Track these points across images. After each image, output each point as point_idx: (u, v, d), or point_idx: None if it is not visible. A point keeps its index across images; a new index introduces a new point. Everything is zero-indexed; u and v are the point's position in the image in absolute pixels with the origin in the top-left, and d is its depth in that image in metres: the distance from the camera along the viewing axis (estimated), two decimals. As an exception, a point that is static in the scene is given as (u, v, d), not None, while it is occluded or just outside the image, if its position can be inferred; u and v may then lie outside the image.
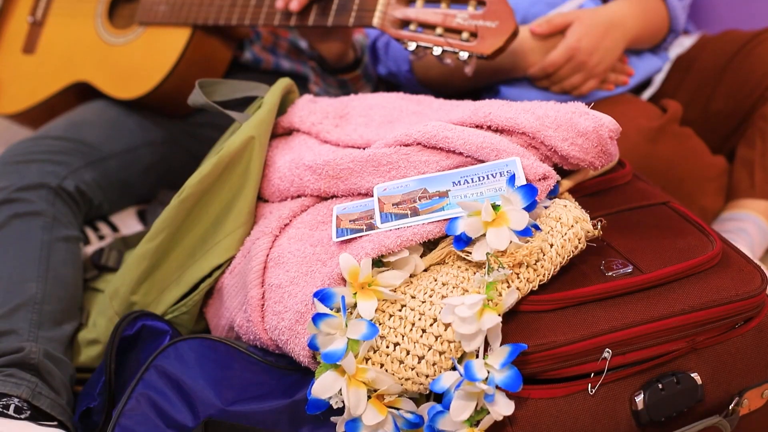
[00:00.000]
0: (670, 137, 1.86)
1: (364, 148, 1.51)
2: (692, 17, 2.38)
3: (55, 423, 1.55)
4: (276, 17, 1.88)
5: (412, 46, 1.70)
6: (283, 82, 1.68)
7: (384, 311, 1.29)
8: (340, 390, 1.26)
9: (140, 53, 2.04)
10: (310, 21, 1.82)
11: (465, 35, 1.66)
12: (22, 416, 1.52)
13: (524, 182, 1.34)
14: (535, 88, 1.94)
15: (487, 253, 1.27)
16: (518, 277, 1.28)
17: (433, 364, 1.25)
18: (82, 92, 2.12)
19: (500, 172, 1.36)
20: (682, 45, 2.16)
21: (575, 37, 1.87)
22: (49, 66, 2.18)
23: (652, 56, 2.07)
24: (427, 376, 1.26)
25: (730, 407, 1.35)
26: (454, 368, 1.24)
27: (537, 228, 1.31)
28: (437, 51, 1.67)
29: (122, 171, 2.00)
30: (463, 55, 1.65)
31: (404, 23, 1.73)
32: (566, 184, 1.47)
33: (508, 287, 1.27)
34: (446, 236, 1.34)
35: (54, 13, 2.22)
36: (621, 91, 1.97)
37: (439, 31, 1.68)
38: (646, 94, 2.10)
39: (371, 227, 1.37)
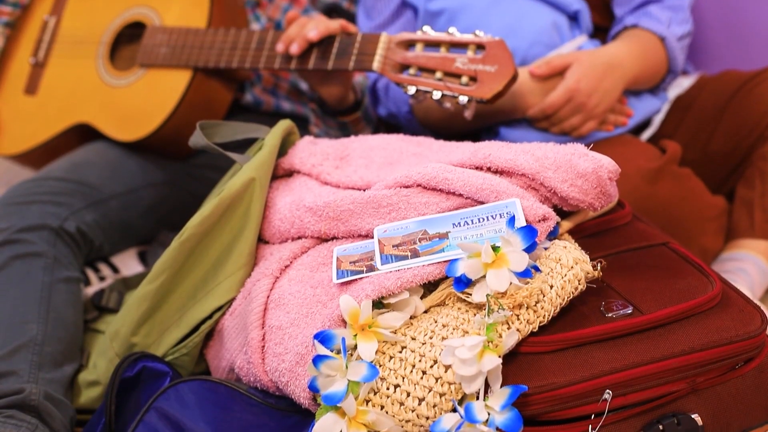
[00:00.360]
0: (670, 178, 1.87)
1: (364, 190, 1.52)
2: (691, 58, 2.39)
3: (56, 464, 1.55)
4: (276, 60, 1.89)
5: (411, 90, 1.71)
6: (284, 124, 1.69)
7: (384, 353, 1.29)
8: (341, 432, 1.26)
9: (141, 95, 2.05)
10: (311, 64, 1.84)
11: (464, 79, 1.67)
12: (23, 458, 1.52)
13: (524, 223, 1.35)
14: (535, 129, 1.95)
15: (487, 295, 1.27)
16: (518, 319, 1.28)
17: (434, 406, 1.25)
18: (83, 133, 2.13)
19: (500, 214, 1.37)
20: (680, 85, 2.17)
21: (574, 78, 1.88)
22: (50, 107, 2.19)
23: (651, 97, 2.08)
24: (427, 418, 1.26)
25: (731, 448, 1.35)
26: (454, 410, 1.24)
27: (537, 269, 1.31)
28: (437, 95, 1.68)
29: (123, 212, 2.00)
30: (463, 99, 1.66)
31: (404, 67, 1.74)
32: (566, 225, 1.48)
33: (509, 329, 1.27)
34: (446, 278, 1.35)
35: (56, 55, 2.23)
36: (620, 131, 1.98)
37: (438, 75, 1.69)
38: (646, 134, 2.11)
39: (372, 269, 1.37)
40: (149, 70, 2.06)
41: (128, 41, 2.18)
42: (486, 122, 1.99)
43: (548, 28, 1.97)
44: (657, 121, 2.12)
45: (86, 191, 1.95)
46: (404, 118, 2.09)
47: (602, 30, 2.14)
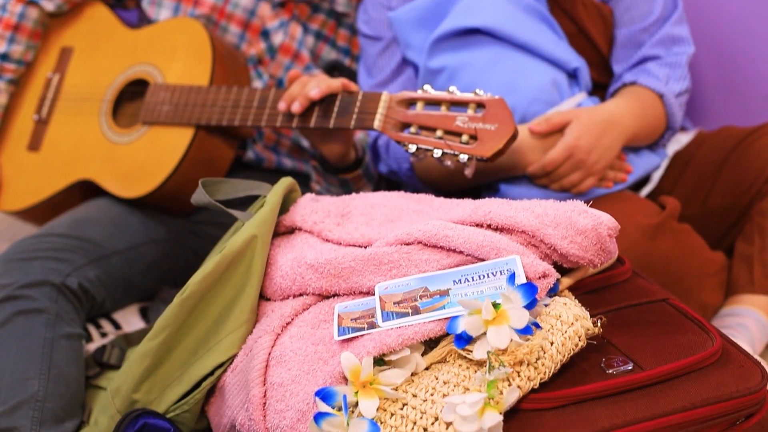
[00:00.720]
0: (669, 234, 1.87)
1: (365, 247, 1.53)
2: (689, 114, 2.41)
3: None
4: (278, 119, 1.91)
5: (412, 148, 1.72)
6: (285, 182, 1.70)
7: (386, 410, 1.30)
8: (343, 489, 1.26)
9: (144, 152, 2.06)
10: (312, 123, 1.85)
11: (465, 138, 1.68)
12: None
13: (524, 280, 1.35)
14: (535, 186, 1.96)
15: (488, 352, 1.28)
16: (519, 376, 1.28)
17: (435, 463, 1.25)
18: (86, 190, 2.14)
19: (500, 271, 1.38)
20: (679, 142, 2.19)
21: (574, 135, 1.89)
22: (53, 163, 2.20)
23: (650, 153, 2.09)
24: (429, 475, 1.26)
25: (733, 505, 1.34)
26: (456, 467, 1.24)
27: (537, 326, 1.32)
28: (437, 153, 1.69)
29: (125, 268, 2.01)
30: (463, 157, 1.67)
31: (405, 125, 1.75)
32: (566, 281, 1.48)
33: (509, 385, 1.27)
34: (447, 334, 1.35)
35: (59, 112, 2.25)
36: (620, 188, 1.99)
37: (439, 133, 1.70)
38: (645, 190, 2.12)
39: (373, 326, 1.37)
40: (152, 127, 2.08)
41: (131, 98, 2.20)
42: (486, 179, 2.00)
43: (548, 86, 1.99)
44: (656, 177, 2.13)
45: (88, 247, 1.95)
46: (405, 175, 2.10)
47: (601, 87, 2.16)
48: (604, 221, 1.45)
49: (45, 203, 2.20)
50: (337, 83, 1.85)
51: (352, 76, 2.25)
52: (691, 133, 2.24)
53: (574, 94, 2.03)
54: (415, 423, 1.27)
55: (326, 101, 1.86)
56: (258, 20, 2.24)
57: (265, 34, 2.24)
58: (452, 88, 1.72)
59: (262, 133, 2.25)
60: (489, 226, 1.48)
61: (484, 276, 1.38)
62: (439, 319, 1.35)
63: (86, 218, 2.03)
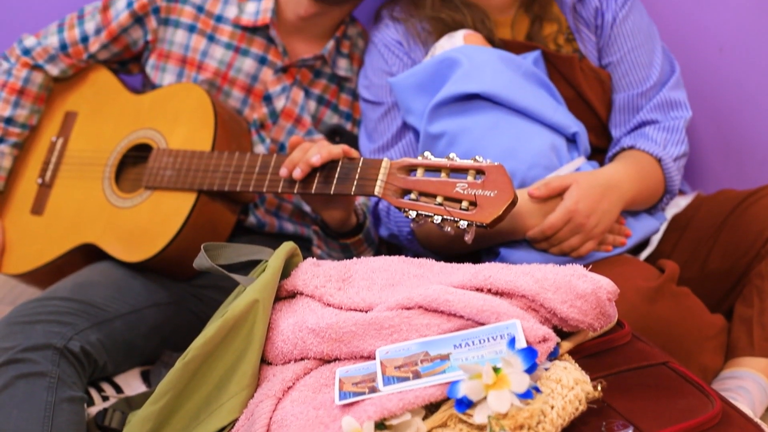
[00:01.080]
0: (668, 297, 1.88)
1: (366, 311, 1.54)
2: (687, 177, 2.43)
3: None
4: (279, 184, 1.92)
5: (412, 214, 1.73)
6: (287, 246, 1.71)
7: (387, 474, 1.30)
8: None
9: (146, 217, 2.08)
10: (313, 189, 1.87)
11: (465, 204, 1.69)
12: None
13: (524, 345, 1.36)
14: (535, 250, 1.97)
15: (489, 416, 1.28)
16: (520, 440, 1.29)
17: None
18: (88, 253, 2.15)
19: (501, 335, 1.38)
20: (678, 205, 2.20)
21: (573, 199, 1.91)
22: (56, 227, 2.22)
23: (648, 217, 2.10)
24: None
25: None
26: None
27: (538, 390, 1.32)
28: (437, 219, 1.70)
29: (127, 332, 2.01)
30: (463, 223, 1.68)
31: (405, 191, 1.76)
32: (566, 345, 1.49)
33: (510, 450, 1.27)
34: (448, 399, 1.35)
35: (62, 176, 2.27)
36: (619, 251, 2.00)
37: (439, 199, 1.71)
38: (644, 254, 2.13)
39: (374, 390, 1.38)
40: (154, 191, 2.09)
41: (134, 163, 2.21)
42: (486, 243, 2.01)
43: (547, 151, 2.00)
44: (655, 240, 2.14)
45: (91, 311, 1.96)
46: (405, 239, 2.11)
47: (600, 151, 2.19)
48: (604, 285, 1.46)
49: (48, 267, 2.21)
50: (338, 150, 1.87)
51: (354, 140, 2.27)
52: (690, 196, 2.25)
53: (573, 158, 2.05)
54: (416, 487, 1.27)
55: (327, 167, 1.87)
56: (260, 85, 2.27)
57: (268, 98, 2.27)
58: (452, 155, 1.74)
59: (264, 198, 2.26)
60: (489, 291, 1.49)
61: (484, 340, 1.39)
62: (440, 384, 1.35)
63: (89, 282, 2.03)
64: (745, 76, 2.41)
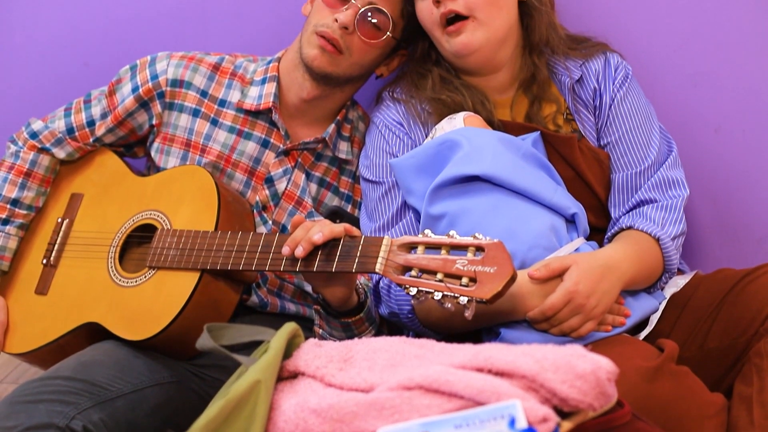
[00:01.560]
0: (668, 376, 1.88)
1: (367, 392, 1.54)
2: (686, 257, 2.44)
3: None
4: (282, 263, 1.94)
5: (413, 290, 1.75)
6: (289, 327, 1.72)
7: None
8: None
9: (150, 296, 2.09)
10: (315, 267, 1.89)
11: (465, 280, 1.71)
12: None
13: (525, 425, 1.36)
14: (535, 330, 1.97)
15: (490, 496, 1.28)
16: None
17: None
18: (92, 332, 2.16)
19: (501, 415, 1.39)
20: (676, 284, 2.20)
21: (573, 280, 1.92)
22: (60, 307, 2.23)
23: (647, 296, 2.11)
24: None
25: None
26: None
27: (538, 470, 1.33)
28: (438, 295, 1.72)
29: (129, 411, 2.01)
30: (463, 299, 1.70)
31: (406, 269, 1.78)
32: (566, 425, 1.49)
33: None
34: (449, 479, 1.36)
35: (67, 256, 2.29)
36: (618, 331, 2.00)
37: (439, 276, 1.73)
38: (643, 333, 2.13)
39: (375, 470, 1.38)
40: (158, 271, 2.11)
41: (138, 243, 2.23)
42: (486, 323, 2.01)
43: (546, 232, 2.02)
44: (654, 319, 2.14)
45: (93, 390, 1.96)
46: (406, 318, 2.12)
47: (599, 231, 2.20)
48: (603, 365, 1.47)
49: (51, 346, 2.21)
50: (339, 228, 1.89)
51: (354, 222, 2.28)
52: (688, 275, 2.26)
53: (573, 239, 2.06)
54: None
55: (329, 246, 1.89)
56: (263, 167, 2.30)
57: (269, 181, 2.30)
58: (452, 232, 1.76)
59: (266, 278, 2.28)
60: (490, 371, 1.49)
61: (485, 420, 1.39)
62: (441, 464, 1.36)
63: (92, 361, 2.04)
64: (741, 156, 2.45)
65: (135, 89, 2.31)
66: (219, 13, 2.66)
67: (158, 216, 2.18)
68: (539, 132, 2.18)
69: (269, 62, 2.35)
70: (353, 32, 2.22)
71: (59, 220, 2.34)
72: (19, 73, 2.70)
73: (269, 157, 2.30)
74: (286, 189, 2.30)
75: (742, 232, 2.46)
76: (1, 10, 2.69)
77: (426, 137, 2.21)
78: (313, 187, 2.34)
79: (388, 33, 2.24)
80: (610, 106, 2.21)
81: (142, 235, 2.22)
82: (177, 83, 2.30)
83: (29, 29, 2.68)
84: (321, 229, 1.89)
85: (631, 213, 2.16)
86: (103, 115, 2.34)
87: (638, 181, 2.16)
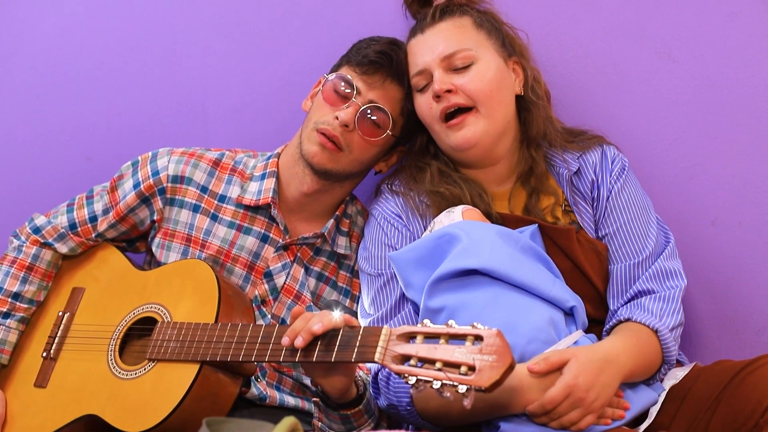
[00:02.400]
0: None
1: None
2: (684, 348, 2.44)
3: None
4: (281, 353, 1.94)
5: (412, 380, 1.75)
6: (288, 421, 1.70)
7: None
8: None
9: (149, 388, 2.09)
10: (315, 357, 1.89)
11: (464, 369, 1.71)
12: None
13: None
14: (534, 424, 1.96)
15: None
16: None
17: None
18: (90, 425, 2.15)
19: None
20: (675, 376, 2.20)
21: (572, 374, 1.92)
22: (59, 399, 2.22)
23: (646, 388, 2.10)
24: None
25: None
26: None
27: None
28: (437, 384, 1.72)
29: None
30: (462, 388, 1.70)
31: (405, 358, 1.79)
32: None
33: None
34: None
35: (67, 349, 2.29)
36: (617, 424, 1.99)
37: (438, 365, 1.73)
38: (643, 426, 2.11)
39: None
40: (158, 363, 2.11)
41: (139, 335, 2.23)
42: (486, 417, 2.00)
43: (545, 325, 2.02)
44: (653, 412, 2.13)
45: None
46: (404, 410, 2.10)
47: (598, 322, 2.20)
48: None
49: (48, 438, 2.20)
50: (339, 319, 1.90)
51: (352, 316, 2.29)
52: (687, 367, 2.25)
53: (571, 332, 2.06)
54: None
55: (328, 336, 1.90)
56: (262, 262, 2.32)
57: (269, 275, 2.31)
58: (451, 322, 1.77)
59: (265, 371, 2.28)
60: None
61: None
62: None
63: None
64: (737, 248, 2.47)
65: (137, 185, 2.34)
66: (219, 108, 2.71)
67: (159, 309, 2.19)
68: (537, 224, 2.20)
69: (269, 158, 2.38)
70: (353, 130, 2.26)
71: (60, 313, 2.34)
72: (22, 168, 2.73)
73: (268, 251, 2.32)
74: (285, 283, 2.31)
75: (741, 324, 2.47)
76: (3, 105, 2.73)
77: (424, 230, 2.23)
78: (312, 281, 2.35)
79: (387, 131, 2.28)
80: (608, 198, 2.23)
81: (142, 328, 2.22)
82: (178, 179, 2.33)
83: (32, 125, 2.73)
84: (320, 320, 1.89)
85: (629, 305, 2.16)
86: (105, 211, 2.37)
87: (636, 273, 2.18)
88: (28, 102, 2.72)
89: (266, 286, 2.31)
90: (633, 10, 2.56)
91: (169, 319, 2.15)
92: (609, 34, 2.57)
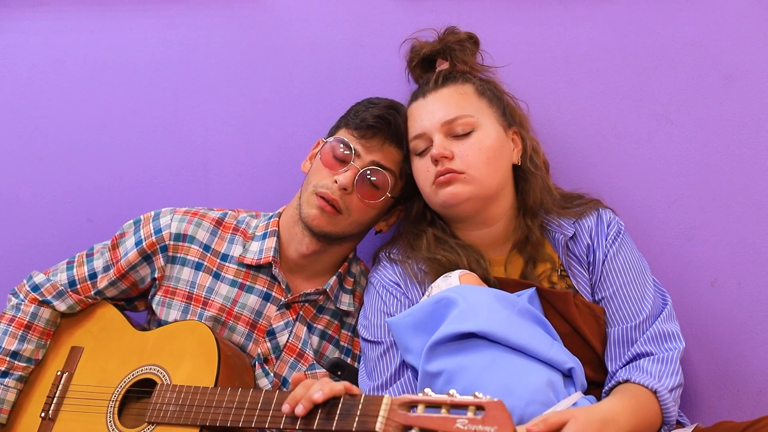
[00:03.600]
0: None
1: None
2: (685, 410, 2.44)
3: None
4: (282, 420, 1.94)
5: (413, 449, 1.75)
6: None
7: None
8: None
9: (148, 452, 2.09)
10: (315, 425, 1.89)
11: (465, 440, 1.71)
12: None
13: None
14: (534, 487, 1.96)
15: None
16: None
17: None
18: (88, 488, 2.15)
19: None
20: (676, 438, 2.21)
21: (571, 436, 1.92)
22: (58, 461, 2.22)
23: (648, 450, 2.11)
24: None
25: None
26: None
27: None
28: (439, 454, 1.72)
29: None
30: (464, 459, 1.70)
31: (406, 428, 1.78)
32: None
33: None
34: None
35: (66, 410, 2.28)
36: (619, 490, 1.99)
37: (440, 434, 1.74)
38: (644, 489, 2.12)
39: None
40: (157, 426, 2.10)
41: (138, 397, 2.23)
42: (486, 479, 2.01)
43: (544, 387, 2.02)
44: (655, 474, 2.14)
45: None
46: (407, 476, 2.10)
47: (597, 385, 2.20)
48: None
49: (45, 501, 2.20)
50: (339, 387, 1.90)
51: (355, 373, 2.30)
52: (689, 428, 2.25)
53: (570, 394, 2.06)
54: None
55: (329, 404, 1.89)
56: (264, 320, 2.32)
57: (271, 333, 2.31)
58: (452, 391, 1.76)
59: (265, 436, 2.28)
60: None
61: None
62: None
63: None
64: (737, 308, 2.48)
65: (138, 242, 2.35)
66: (220, 171, 2.72)
67: (158, 371, 2.19)
68: (535, 288, 2.21)
69: (270, 218, 2.39)
70: (352, 192, 2.27)
71: (59, 373, 2.34)
72: (22, 228, 2.74)
73: (271, 310, 2.33)
74: (287, 342, 2.31)
75: (741, 384, 2.47)
76: (6, 166, 2.74)
77: (422, 296, 2.23)
78: (315, 339, 2.35)
79: (387, 193, 2.29)
80: (603, 262, 2.24)
81: (141, 390, 2.22)
82: (180, 237, 2.34)
83: (34, 186, 2.74)
84: (321, 388, 1.89)
85: (627, 366, 2.16)
86: (106, 268, 2.37)
87: (634, 335, 2.18)
88: (30, 163, 2.73)
89: (269, 344, 2.31)
90: (631, 73, 2.58)
91: (169, 382, 2.15)
92: (607, 97, 2.60)
